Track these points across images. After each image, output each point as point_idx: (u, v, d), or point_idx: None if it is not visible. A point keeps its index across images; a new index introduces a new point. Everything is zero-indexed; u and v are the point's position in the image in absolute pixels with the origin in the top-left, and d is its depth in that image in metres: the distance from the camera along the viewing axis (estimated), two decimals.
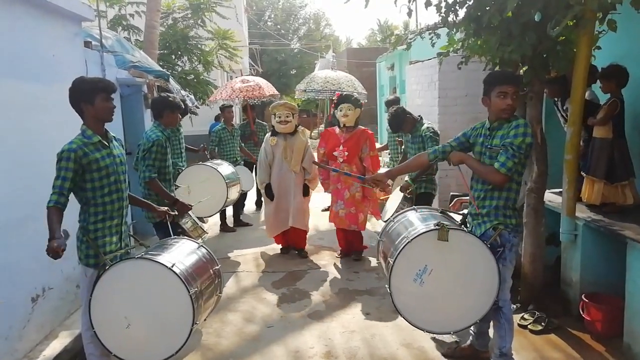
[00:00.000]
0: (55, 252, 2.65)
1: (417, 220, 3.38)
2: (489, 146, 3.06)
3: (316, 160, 5.73)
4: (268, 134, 5.96)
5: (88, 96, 2.89)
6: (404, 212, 3.68)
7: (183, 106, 4.38)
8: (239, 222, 7.55)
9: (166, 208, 3.73)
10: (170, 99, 4.29)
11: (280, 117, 5.69)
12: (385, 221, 5.41)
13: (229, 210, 7.32)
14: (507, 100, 2.96)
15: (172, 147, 5.75)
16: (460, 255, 3.03)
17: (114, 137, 3.15)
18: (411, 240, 3.04)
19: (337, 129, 5.63)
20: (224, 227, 7.29)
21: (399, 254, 3.04)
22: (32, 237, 3.56)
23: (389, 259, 3.20)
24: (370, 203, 5.65)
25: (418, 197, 5.09)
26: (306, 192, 5.79)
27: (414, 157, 3.47)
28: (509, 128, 2.97)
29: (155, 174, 4.00)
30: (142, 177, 4.02)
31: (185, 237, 3.77)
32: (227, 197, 5.72)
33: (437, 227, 2.99)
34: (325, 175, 5.74)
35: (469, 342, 3.50)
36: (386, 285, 3.13)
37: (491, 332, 3.38)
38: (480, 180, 3.13)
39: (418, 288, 3.03)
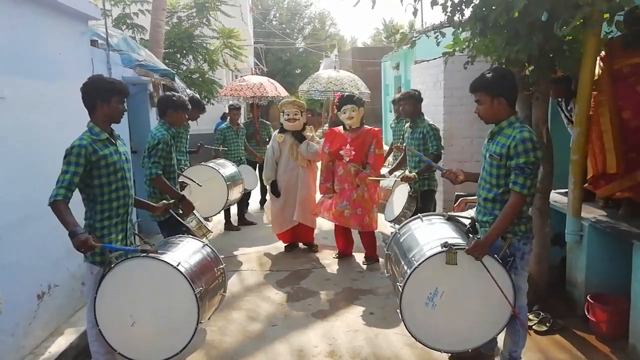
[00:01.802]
0: (85, 244, 2.62)
1: (424, 235, 3.22)
2: (489, 151, 2.97)
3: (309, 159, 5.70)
4: (276, 132, 5.97)
5: (106, 95, 2.93)
6: (413, 220, 3.53)
7: (188, 105, 4.34)
8: (243, 220, 7.57)
9: (163, 202, 3.71)
10: (174, 98, 4.27)
11: (288, 115, 5.71)
12: (390, 221, 5.42)
13: (234, 209, 7.34)
14: (476, 108, 2.98)
15: (179, 143, 5.76)
16: (470, 273, 2.88)
17: (118, 135, 3.17)
18: (418, 265, 2.89)
19: (341, 129, 5.56)
20: (228, 225, 7.31)
21: (407, 281, 2.90)
22: (36, 235, 3.58)
23: (397, 284, 3.06)
24: (376, 204, 5.56)
25: (421, 195, 5.08)
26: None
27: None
28: (512, 139, 2.82)
29: (160, 171, 4.01)
30: (148, 174, 4.02)
31: (190, 235, 3.78)
32: (227, 198, 5.73)
33: (444, 248, 2.85)
34: (327, 178, 5.58)
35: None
36: (397, 310, 2.99)
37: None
38: (483, 187, 3.05)
39: (431, 312, 2.91)
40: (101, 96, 2.92)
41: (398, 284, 3.04)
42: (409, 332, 3.01)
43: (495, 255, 2.91)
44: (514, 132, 2.84)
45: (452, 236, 3.09)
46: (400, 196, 5.16)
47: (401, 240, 3.38)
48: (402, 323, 3.01)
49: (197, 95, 8.81)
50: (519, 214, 2.91)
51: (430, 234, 3.20)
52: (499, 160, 2.89)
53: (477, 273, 2.86)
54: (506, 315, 2.95)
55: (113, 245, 2.93)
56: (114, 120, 3.03)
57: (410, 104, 5.13)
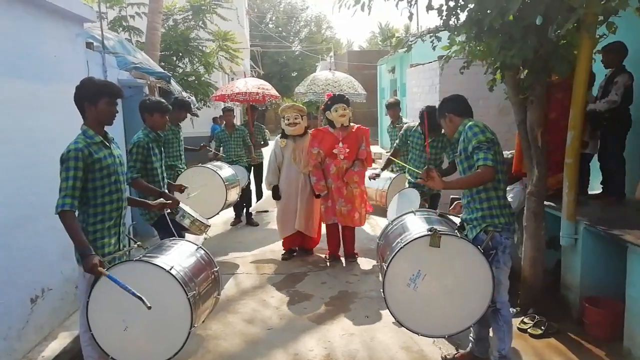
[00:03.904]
0: (94, 269, 2.69)
1: (414, 224, 3.40)
2: (457, 155, 3.24)
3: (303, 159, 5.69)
4: (278, 137, 5.96)
5: (92, 97, 2.90)
6: (403, 215, 3.69)
7: (163, 106, 4.22)
8: (250, 220, 7.70)
9: (161, 200, 3.70)
10: (147, 101, 4.23)
11: (289, 120, 5.71)
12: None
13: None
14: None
15: (171, 148, 5.74)
16: (453, 260, 3.05)
17: (112, 138, 3.16)
18: (404, 245, 3.06)
19: (330, 129, 5.60)
20: (248, 220, 7.64)
21: (392, 259, 3.07)
22: (32, 238, 3.56)
23: (383, 263, 3.23)
24: (364, 200, 5.73)
25: (430, 198, 5.14)
26: (318, 194, 5.71)
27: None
28: (465, 133, 3.12)
29: (136, 174, 3.96)
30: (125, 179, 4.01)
31: (184, 239, 3.76)
32: (226, 199, 5.72)
33: (429, 232, 3.02)
34: (319, 176, 5.61)
35: (468, 348, 3.50)
36: (380, 290, 3.15)
37: (491, 337, 3.38)
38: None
39: (412, 292, 3.06)
40: (88, 98, 2.89)
41: (384, 263, 3.18)
42: (390, 311, 3.14)
43: (479, 246, 3.03)
44: (464, 128, 3.17)
45: (440, 227, 3.24)
46: (408, 200, 5.15)
47: (393, 230, 3.56)
48: (391, 315, 3.15)
49: (193, 97, 8.81)
50: (498, 206, 3.11)
51: (420, 224, 3.35)
52: (463, 156, 3.15)
53: (458, 261, 3.04)
54: (483, 306, 3.06)
55: (119, 281, 2.75)
56: (104, 122, 2.98)
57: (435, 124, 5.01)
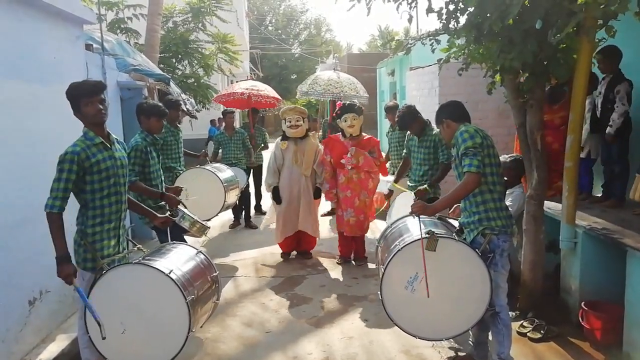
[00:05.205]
0: (68, 278, 2.73)
1: (412, 227, 3.40)
2: (453, 159, 3.27)
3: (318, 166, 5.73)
4: (278, 139, 5.95)
5: (74, 105, 2.89)
6: (404, 217, 3.70)
7: (160, 110, 4.22)
8: (249, 222, 7.67)
9: (167, 215, 3.70)
10: (144, 105, 4.23)
11: (290, 122, 5.69)
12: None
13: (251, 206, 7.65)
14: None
15: (170, 150, 5.74)
16: (450, 263, 3.06)
17: (117, 139, 3.14)
18: (401, 248, 3.07)
19: (341, 137, 5.62)
20: (247, 222, 7.60)
21: (389, 262, 3.08)
22: (30, 239, 3.55)
23: (381, 266, 3.24)
24: (372, 208, 5.75)
25: (428, 202, 5.11)
26: (317, 194, 5.84)
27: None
28: (456, 139, 3.14)
29: (135, 177, 3.97)
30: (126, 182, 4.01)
31: (184, 242, 3.75)
32: (224, 201, 5.72)
33: (427, 235, 3.02)
34: (332, 185, 5.66)
35: (468, 351, 3.49)
36: (378, 292, 3.16)
37: (490, 340, 3.37)
38: None
39: (409, 295, 3.07)
40: (73, 107, 2.89)
41: (381, 266, 3.19)
42: (387, 314, 3.14)
43: (476, 249, 3.04)
44: (457, 133, 3.16)
45: (438, 230, 3.24)
46: (405, 204, 5.14)
47: (392, 232, 3.58)
48: (388, 317, 3.16)
49: (192, 100, 8.82)
50: (494, 209, 3.10)
51: (419, 226, 3.31)
52: (457, 161, 3.14)
53: (456, 264, 3.05)
54: (481, 309, 3.07)
55: (83, 294, 2.83)
56: (94, 123, 2.92)
57: (415, 126, 5.01)
